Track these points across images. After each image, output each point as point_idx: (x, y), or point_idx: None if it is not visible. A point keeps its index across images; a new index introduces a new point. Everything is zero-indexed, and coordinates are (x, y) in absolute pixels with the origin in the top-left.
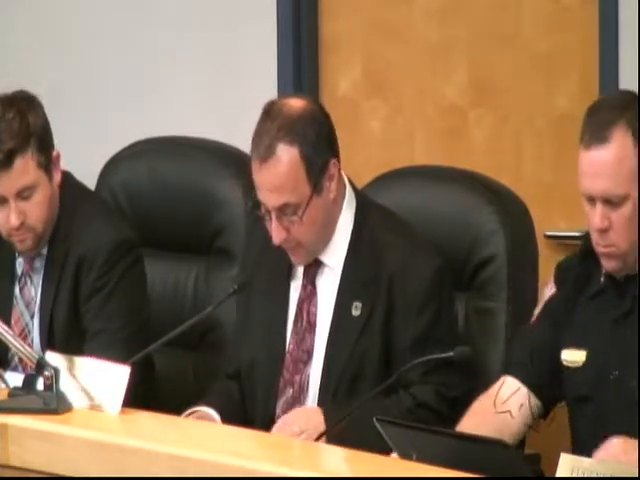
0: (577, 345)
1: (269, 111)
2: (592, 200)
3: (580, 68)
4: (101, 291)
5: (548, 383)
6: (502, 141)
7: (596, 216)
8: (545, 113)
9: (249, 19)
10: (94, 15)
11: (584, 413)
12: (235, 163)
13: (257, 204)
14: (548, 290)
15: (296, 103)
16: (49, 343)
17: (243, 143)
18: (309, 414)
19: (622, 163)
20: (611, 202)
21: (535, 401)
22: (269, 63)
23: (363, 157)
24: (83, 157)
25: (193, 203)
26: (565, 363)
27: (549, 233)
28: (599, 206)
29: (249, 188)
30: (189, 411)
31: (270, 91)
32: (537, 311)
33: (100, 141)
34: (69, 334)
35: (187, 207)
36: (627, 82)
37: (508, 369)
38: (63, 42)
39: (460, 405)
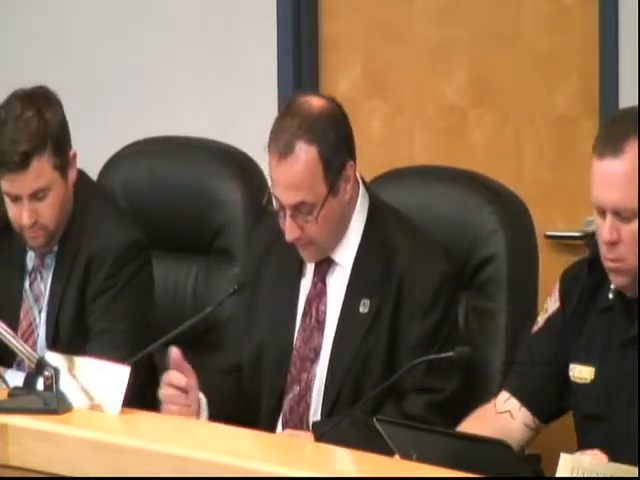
0: (585, 361)
1: (290, 107)
2: (603, 212)
3: (580, 68)
4: (108, 291)
5: (546, 399)
6: (502, 141)
7: (605, 228)
8: (545, 113)
9: (249, 19)
10: (94, 15)
11: (594, 432)
12: (235, 163)
13: (271, 199)
14: (552, 302)
15: (317, 102)
16: (54, 340)
17: (243, 143)
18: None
19: (634, 177)
20: (621, 215)
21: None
22: (269, 63)
23: (363, 157)
24: (83, 157)
25: (193, 203)
26: (573, 379)
27: (549, 233)
28: (609, 218)
29: (250, 187)
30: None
31: (270, 91)
32: (540, 319)
33: (100, 141)
34: (74, 332)
35: (187, 207)
36: (627, 82)
37: (505, 384)
38: (63, 42)
39: (457, 404)
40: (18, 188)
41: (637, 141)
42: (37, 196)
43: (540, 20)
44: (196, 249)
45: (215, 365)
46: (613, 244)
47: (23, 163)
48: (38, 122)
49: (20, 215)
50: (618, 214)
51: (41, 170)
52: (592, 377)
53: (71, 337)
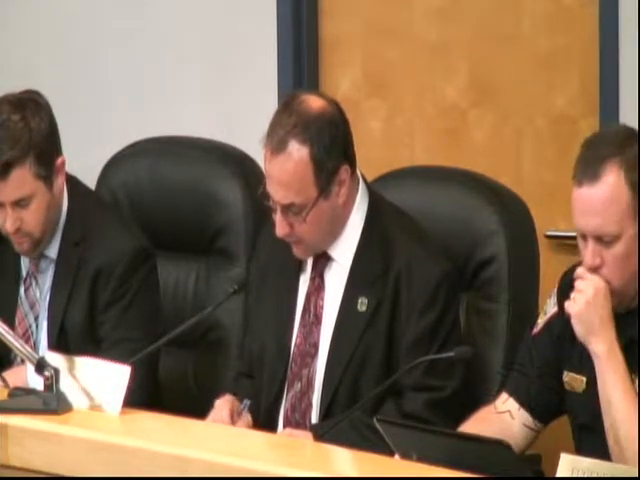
0: (578, 369)
1: (289, 104)
2: (584, 237)
3: (580, 68)
4: (120, 301)
5: (545, 402)
6: (502, 141)
7: (588, 254)
8: (545, 113)
9: (249, 19)
10: (95, 15)
11: (587, 442)
12: (235, 163)
13: (267, 194)
14: (551, 306)
15: (316, 102)
16: (59, 347)
17: (243, 143)
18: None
19: (614, 202)
20: (603, 240)
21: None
22: (269, 63)
23: (363, 157)
24: (83, 157)
25: (193, 203)
26: (566, 386)
27: (549, 233)
28: (591, 244)
29: (250, 187)
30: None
31: (270, 91)
32: (540, 321)
33: (100, 141)
34: (84, 341)
35: (187, 207)
36: (627, 82)
37: (505, 385)
38: (63, 42)
39: (456, 403)
40: (0, 195)
41: (615, 166)
42: (19, 204)
43: (540, 20)
44: (196, 249)
45: (237, 368)
46: (596, 269)
47: (3, 172)
48: (22, 130)
49: (4, 222)
50: (600, 239)
51: (22, 179)
52: (583, 387)
53: (81, 344)
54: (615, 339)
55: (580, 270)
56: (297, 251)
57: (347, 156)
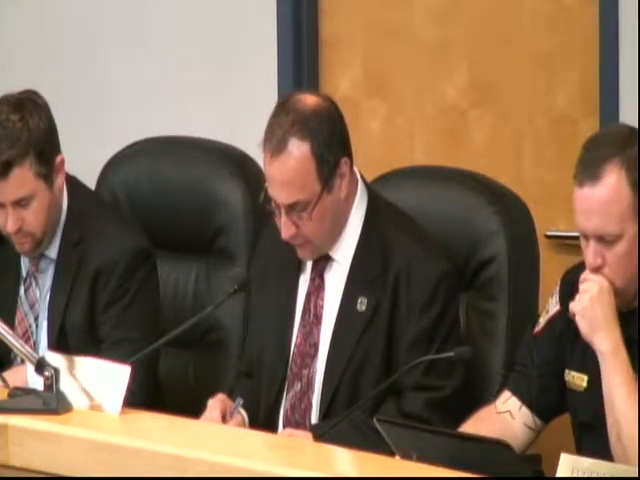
0: (580, 368)
1: (284, 104)
2: (586, 237)
3: (580, 68)
4: (120, 301)
5: (547, 400)
6: (502, 141)
7: (590, 254)
8: (545, 113)
9: (249, 19)
10: (95, 15)
11: (588, 440)
12: (235, 163)
13: (268, 198)
14: (553, 304)
15: (311, 100)
16: (59, 347)
17: (243, 143)
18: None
19: (614, 202)
20: (604, 240)
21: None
22: (269, 63)
23: (363, 157)
24: (83, 157)
25: (193, 203)
26: (568, 385)
27: (549, 233)
28: (592, 244)
29: (250, 187)
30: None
31: (270, 91)
32: (542, 319)
33: (100, 141)
34: (84, 341)
35: (187, 207)
36: (627, 82)
37: (507, 384)
38: (63, 42)
39: (456, 402)
40: (1, 195)
41: (615, 166)
42: (20, 203)
43: (540, 20)
44: (196, 249)
45: (239, 367)
46: (598, 269)
47: (3, 172)
48: (21, 129)
49: (5, 222)
50: (601, 239)
51: (23, 179)
52: (585, 385)
53: (81, 344)
54: (620, 337)
55: (584, 274)
56: (302, 253)
57: (345, 149)
